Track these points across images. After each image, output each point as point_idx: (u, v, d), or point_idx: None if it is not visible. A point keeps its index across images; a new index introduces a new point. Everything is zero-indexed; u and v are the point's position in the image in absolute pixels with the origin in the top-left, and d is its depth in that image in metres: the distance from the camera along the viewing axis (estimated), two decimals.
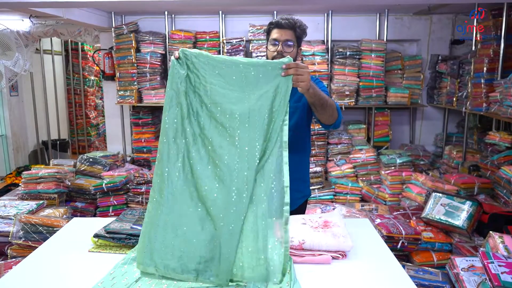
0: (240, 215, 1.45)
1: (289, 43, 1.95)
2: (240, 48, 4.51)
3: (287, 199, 1.48)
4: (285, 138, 1.52)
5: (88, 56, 7.18)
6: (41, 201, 3.17)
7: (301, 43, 2.04)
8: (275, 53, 1.95)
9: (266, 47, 2.05)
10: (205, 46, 4.55)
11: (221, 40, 4.57)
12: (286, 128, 1.53)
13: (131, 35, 4.52)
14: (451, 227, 2.88)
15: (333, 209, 3.50)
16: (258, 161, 1.49)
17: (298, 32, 1.97)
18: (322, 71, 4.44)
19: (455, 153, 4.23)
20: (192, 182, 1.50)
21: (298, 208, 2.18)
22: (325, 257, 1.56)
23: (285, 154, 1.51)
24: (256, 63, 1.55)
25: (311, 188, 3.97)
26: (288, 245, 1.45)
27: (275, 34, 1.97)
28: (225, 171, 1.48)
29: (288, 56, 1.68)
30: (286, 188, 1.49)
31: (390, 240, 2.75)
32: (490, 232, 2.34)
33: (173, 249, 1.44)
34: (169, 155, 1.50)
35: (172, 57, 1.56)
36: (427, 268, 2.62)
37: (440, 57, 4.53)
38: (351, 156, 4.48)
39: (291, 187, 2.06)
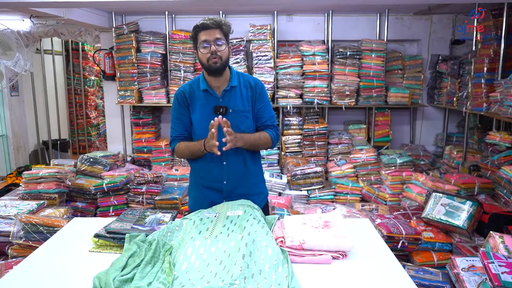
0: None
1: (219, 42, 1.94)
2: (241, 48, 4.51)
3: None
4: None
5: (89, 56, 7.19)
6: (41, 201, 3.16)
7: (229, 41, 2.04)
8: (209, 54, 1.94)
9: (196, 53, 2.01)
10: None
11: None
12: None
13: (132, 35, 4.52)
14: (451, 227, 2.88)
15: (334, 209, 3.50)
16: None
17: (225, 29, 1.97)
18: (322, 71, 4.44)
19: (455, 153, 4.23)
20: None
21: (263, 209, 2.17)
22: (326, 257, 1.56)
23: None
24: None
25: (311, 188, 4.03)
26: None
27: (203, 36, 1.94)
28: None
29: None
30: None
31: (390, 240, 2.75)
32: (491, 232, 2.33)
33: None
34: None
35: None
36: (427, 268, 2.63)
37: (440, 57, 4.53)
38: (352, 156, 4.47)
39: (253, 191, 2.14)
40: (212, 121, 1.85)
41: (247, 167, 2.10)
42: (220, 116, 1.85)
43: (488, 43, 3.61)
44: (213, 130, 1.86)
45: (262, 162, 2.24)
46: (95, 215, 3.75)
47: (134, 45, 4.52)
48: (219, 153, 1.88)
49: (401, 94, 4.51)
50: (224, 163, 2.05)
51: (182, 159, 4.63)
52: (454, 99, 4.14)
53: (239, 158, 2.07)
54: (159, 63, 4.58)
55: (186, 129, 2.09)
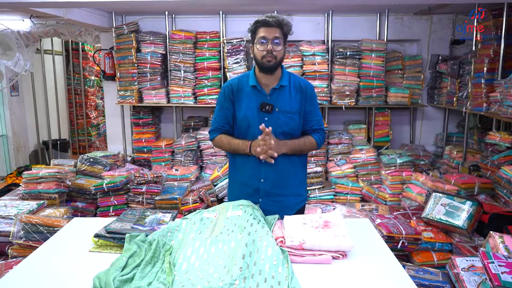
0: None
1: (277, 41, 1.95)
2: (241, 48, 4.51)
3: None
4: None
5: (89, 56, 7.19)
6: (41, 201, 3.17)
7: (286, 41, 2.05)
8: (264, 52, 1.94)
9: (252, 48, 2.03)
10: (206, 46, 4.55)
11: (221, 40, 4.57)
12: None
13: (132, 35, 4.52)
14: (451, 227, 2.87)
15: (334, 209, 3.50)
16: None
17: (285, 29, 1.98)
18: (322, 71, 4.44)
19: (455, 153, 4.23)
20: None
21: (299, 210, 2.19)
22: (325, 257, 1.56)
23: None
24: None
25: (311, 188, 4.03)
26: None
27: (262, 32, 1.96)
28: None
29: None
30: None
31: (390, 240, 2.75)
32: (491, 232, 2.33)
33: None
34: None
35: None
36: (427, 268, 2.62)
37: (440, 57, 4.53)
38: (352, 156, 4.47)
39: (291, 192, 2.13)
40: (261, 126, 1.88)
41: (286, 167, 2.08)
42: (263, 125, 1.89)
43: (488, 43, 3.61)
44: (266, 129, 1.87)
45: None
46: (95, 215, 3.75)
47: (134, 45, 4.52)
48: (262, 158, 1.92)
49: (401, 94, 4.51)
50: (263, 160, 2.02)
51: (183, 160, 4.63)
52: (454, 99, 4.14)
53: (278, 157, 2.02)
54: (159, 63, 4.58)
55: (227, 122, 2.10)
